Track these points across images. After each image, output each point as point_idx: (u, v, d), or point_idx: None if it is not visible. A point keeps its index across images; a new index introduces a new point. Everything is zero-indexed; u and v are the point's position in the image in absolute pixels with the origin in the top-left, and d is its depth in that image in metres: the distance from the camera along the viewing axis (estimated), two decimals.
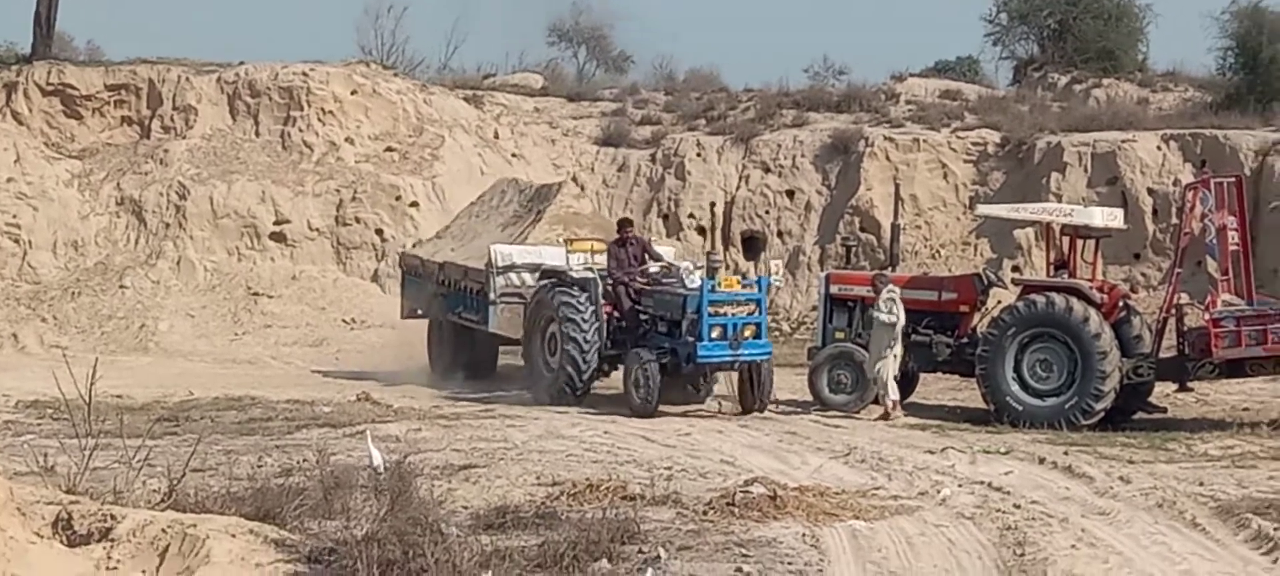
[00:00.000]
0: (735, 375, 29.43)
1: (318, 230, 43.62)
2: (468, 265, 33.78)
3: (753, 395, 28.92)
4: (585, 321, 29.36)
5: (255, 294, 42.07)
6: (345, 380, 34.84)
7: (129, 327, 39.98)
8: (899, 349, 29.52)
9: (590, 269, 30.37)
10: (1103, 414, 29.76)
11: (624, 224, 33.16)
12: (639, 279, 29.88)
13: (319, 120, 46.17)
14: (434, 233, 43.66)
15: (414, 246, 39.48)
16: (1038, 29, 58.17)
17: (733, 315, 28.52)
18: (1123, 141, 45.82)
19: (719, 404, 29.70)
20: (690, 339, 28.34)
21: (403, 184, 44.72)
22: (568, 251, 31.51)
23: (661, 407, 28.68)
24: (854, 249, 38.62)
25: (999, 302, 32.34)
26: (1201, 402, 31.85)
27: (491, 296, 32.23)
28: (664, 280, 29.50)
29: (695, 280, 28.76)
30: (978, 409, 30.39)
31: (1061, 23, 57.16)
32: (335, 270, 43.33)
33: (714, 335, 28.27)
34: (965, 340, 31.08)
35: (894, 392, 29.54)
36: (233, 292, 42.09)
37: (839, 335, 31.10)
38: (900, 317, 29.52)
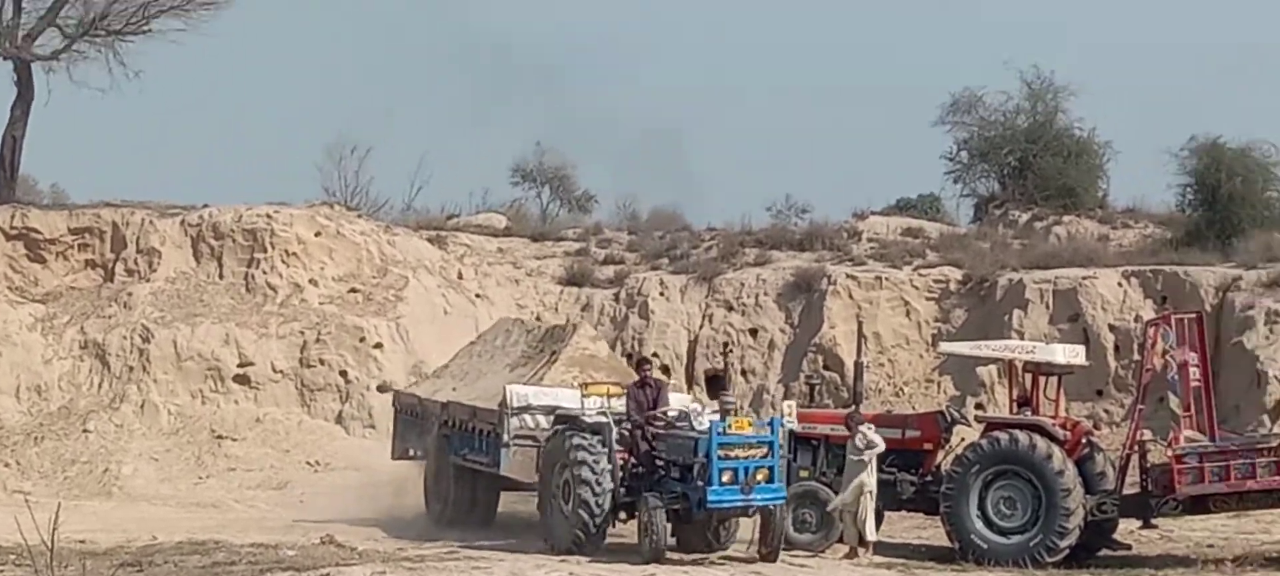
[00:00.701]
0: (758, 520, 28.23)
1: (282, 372, 43.55)
2: (477, 405, 32.99)
3: (765, 543, 27.81)
4: (598, 467, 28.32)
5: (219, 437, 41.96)
6: (310, 523, 34.66)
7: (92, 472, 39.82)
8: (875, 486, 29.49)
9: (604, 413, 29.41)
10: (1068, 551, 29.78)
11: (642, 364, 32.72)
12: (655, 423, 29.03)
13: (283, 262, 46.19)
14: (418, 374, 43.80)
15: (411, 386, 39.02)
16: (998, 167, 58.50)
17: (744, 458, 27.40)
18: (1084, 278, 46.00)
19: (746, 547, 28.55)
20: (700, 483, 27.35)
21: (367, 325, 44.73)
22: (583, 395, 30.54)
23: (677, 554, 28.04)
24: (818, 387, 38.70)
25: (963, 440, 32.34)
26: (1165, 539, 31.89)
27: (505, 438, 31.26)
28: (677, 423, 28.76)
29: (703, 422, 28.13)
30: (943, 547, 30.39)
31: (1022, 161, 57.50)
32: (299, 412, 43.24)
33: (725, 480, 27.17)
34: (929, 478, 31.11)
35: (873, 532, 29.47)
36: (196, 436, 41.97)
37: (803, 474, 31.00)
38: (881, 447, 29.58)
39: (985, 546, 29.67)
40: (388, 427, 42.98)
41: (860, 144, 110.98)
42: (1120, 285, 45.62)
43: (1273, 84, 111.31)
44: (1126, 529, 31.59)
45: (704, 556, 27.96)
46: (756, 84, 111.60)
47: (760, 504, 27.34)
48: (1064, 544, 29.68)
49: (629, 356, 46.07)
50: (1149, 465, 31.24)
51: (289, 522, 34.88)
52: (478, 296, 48.08)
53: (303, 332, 44.26)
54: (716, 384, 45.94)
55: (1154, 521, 31.41)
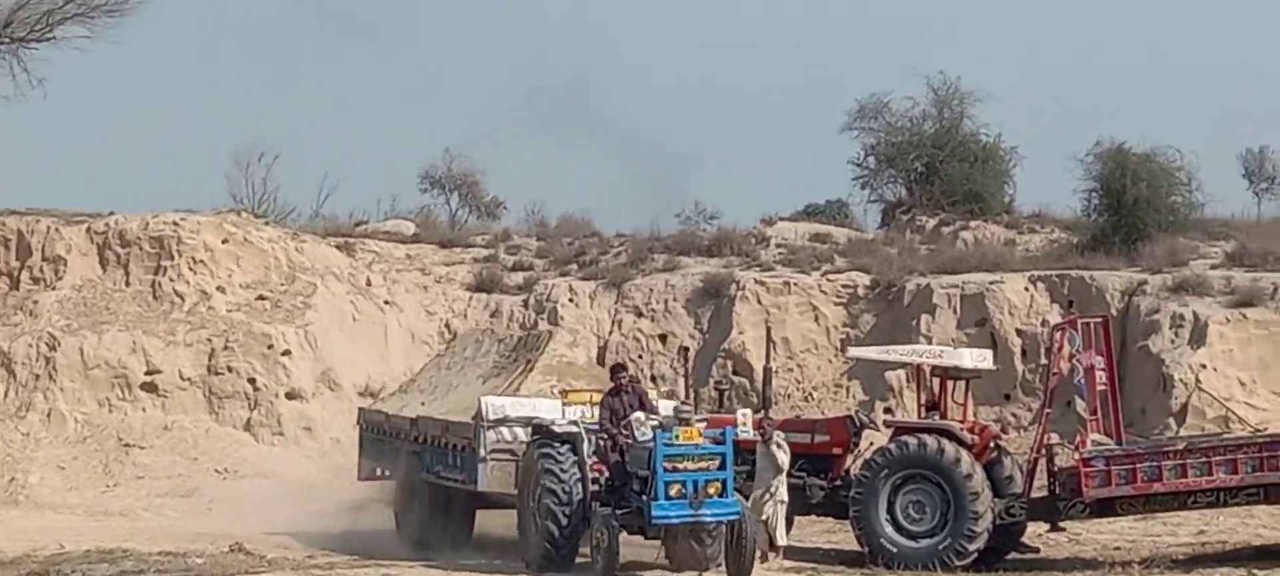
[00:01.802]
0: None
1: (190, 380, 43.42)
2: (449, 420, 31.98)
3: (736, 564, 26.37)
4: (565, 478, 27.27)
5: (127, 445, 41.80)
6: (219, 532, 34.54)
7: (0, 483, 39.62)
8: (785, 491, 29.45)
9: (576, 423, 28.56)
10: (976, 554, 29.87)
11: (617, 370, 30.89)
12: (623, 432, 27.56)
13: (190, 269, 46.08)
14: (327, 382, 43.88)
15: (378, 401, 38.46)
16: (905, 172, 58.80)
17: (694, 471, 26.09)
18: (991, 283, 46.28)
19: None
20: (645, 500, 26.23)
21: (275, 332, 44.62)
22: (564, 404, 30.03)
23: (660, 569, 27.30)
24: (727, 393, 38.73)
25: (871, 444, 32.52)
26: (1073, 542, 32.09)
27: (481, 453, 29.94)
28: (639, 434, 27.00)
29: (646, 432, 26.64)
30: (852, 551, 30.49)
31: (928, 166, 57.82)
32: (208, 420, 43.10)
33: (672, 493, 25.88)
34: (838, 482, 31.21)
35: (783, 536, 29.47)
36: (104, 444, 41.82)
37: None
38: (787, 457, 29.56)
39: (895, 550, 29.76)
40: (296, 435, 43.02)
41: (768, 150, 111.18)
42: (1027, 289, 45.88)
43: (1178, 91, 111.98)
44: (1034, 532, 31.76)
45: (671, 571, 27.13)
46: (663, 86, 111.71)
47: (712, 517, 26.19)
48: (973, 547, 29.80)
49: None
50: (1056, 468, 31.44)
51: (197, 531, 34.76)
52: (387, 303, 48.08)
53: (210, 340, 44.14)
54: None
55: (1061, 524, 31.60)
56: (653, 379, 46.40)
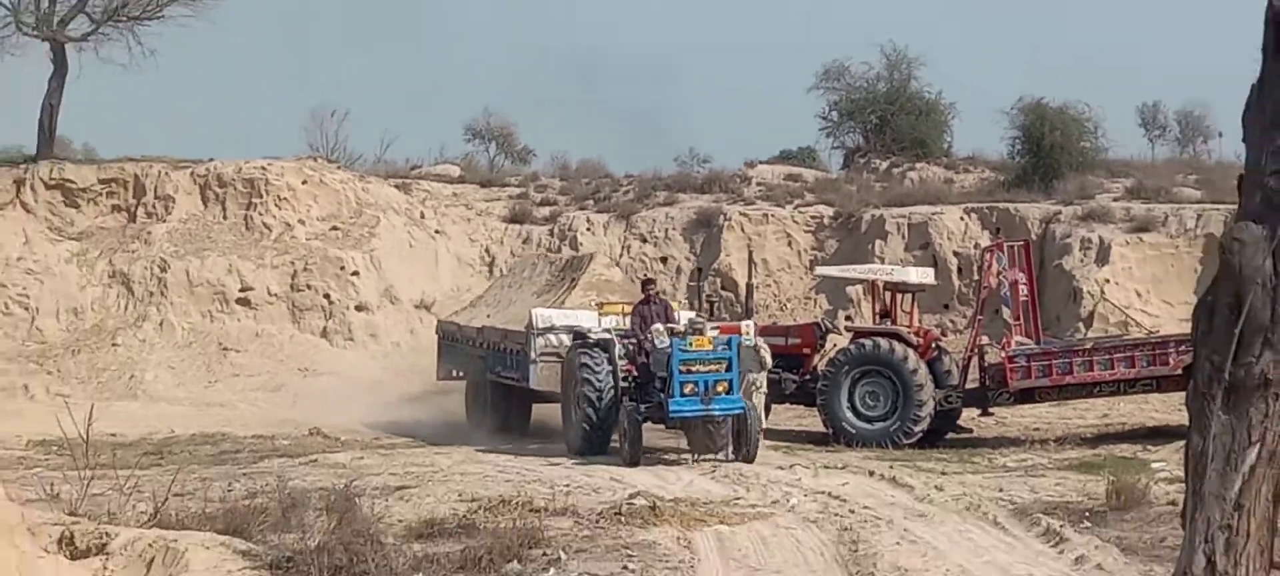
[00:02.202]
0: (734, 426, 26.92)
1: (276, 295, 43.34)
2: (508, 328, 32.03)
3: (741, 446, 26.45)
4: (599, 378, 27.41)
5: (225, 349, 41.76)
6: (301, 419, 34.58)
7: (120, 378, 39.61)
8: (764, 384, 29.42)
9: (608, 331, 28.75)
10: (920, 435, 30.15)
11: (646, 283, 31.71)
12: (646, 339, 27.63)
13: (276, 205, 45.95)
14: (389, 297, 43.81)
15: (452, 315, 38.02)
16: (863, 124, 58.90)
17: (705, 373, 26.25)
18: (932, 214, 46.25)
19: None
20: (662, 397, 26.41)
21: (346, 256, 44.55)
22: (599, 315, 30.08)
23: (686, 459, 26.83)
24: (716, 304, 38.67)
25: (835, 346, 32.53)
26: (1000, 424, 32.17)
27: (532, 356, 30.02)
28: (659, 342, 27.10)
29: (665, 340, 26.80)
30: (819, 432, 30.57)
31: (882, 118, 57.90)
32: (291, 328, 43.06)
33: (686, 391, 26.04)
34: (808, 377, 31.33)
35: (762, 421, 29.44)
36: (206, 348, 41.78)
37: None
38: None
39: (854, 431, 29.96)
40: (363, 341, 43.01)
41: (750, 105, 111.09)
42: (962, 219, 45.87)
43: (1088, 51, 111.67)
44: (969, 416, 31.98)
45: (688, 455, 26.82)
46: (663, 51, 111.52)
47: (720, 412, 26.30)
48: (918, 429, 30.09)
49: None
50: (986, 365, 31.68)
51: (283, 419, 34.83)
52: (437, 232, 47.98)
53: (293, 263, 44.07)
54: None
55: (990, 410, 31.86)
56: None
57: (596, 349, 27.89)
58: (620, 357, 27.65)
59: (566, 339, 29.28)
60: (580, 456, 27.18)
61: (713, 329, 27.49)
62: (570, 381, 28.20)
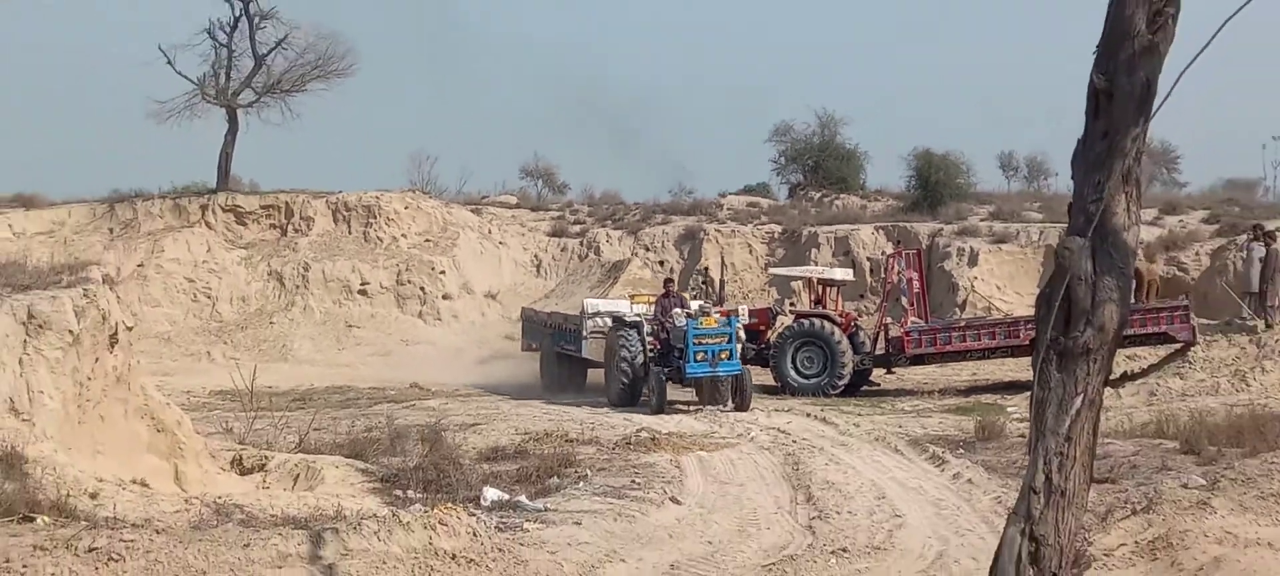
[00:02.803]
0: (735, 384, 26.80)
1: (386, 288, 43.42)
2: (567, 313, 31.95)
3: (739, 398, 26.37)
4: (632, 349, 27.39)
5: (349, 326, 41.86)
6: (405, 377, 34.68)
7: (275, 347, 39.74)
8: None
9: (639, 315, 28.66)
10: (843, 387, 30.19)
11: (667, 282, 31.99)
12: (668, 320, 27.64)
13: (386, 224, 46.08)
14: (465, 290, 43.94)
15: (533, 304, 37.49)
16: (802, 166, 58.95)
17: (712, 343, 26.23)
18: (852, 230, 46.21)
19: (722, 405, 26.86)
20: (680, 363, 26.45)
21: (435, 260, 44.63)
22: (632, 304, 29.98)
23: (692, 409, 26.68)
24: (697, 295, 38.71)
25: (783, 324, 32.54)
26: (899, 380, 32.16)
27: (584, 333, 30.06)
28: (677, 322, 27.27)
29: (681, 321, 26.91)
30: (770, 386, 30.49)
31: (816, 162, 58.07)
32: (396, 311, 43.13)
33: (699, 358, 26.07)
34: (764, 346, 31.30)
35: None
36: (336, 326, 41.88)
37: None
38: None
39: (796, 385, 29.98)
40: (452, 320, 43.14)
41: (722, 150, 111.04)
42: (873, 234, 45.82)
43: (963, 112, 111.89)
44: (878, 374, 31.96)
45: (701, 406, 26.59)
46: (661, 95, 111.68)
47: (723, 373, 26.26)
48: (841, 383, 30.20)
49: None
50: (890, 338, 31.68)
51: (391, 377, 34.89)
52: (500, 243, 47.98)
53: (397, 265, 44.17)
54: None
55: (892, 370, 31.87)
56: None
57: (630, 328, 27.84)
58: (647, 334, 27.58)
59: (609, 321, 29.20)
60: (618, 407, 26.97)
61: (717, 312, 27.72)
62: (611, 352, 28.18)
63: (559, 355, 31.70)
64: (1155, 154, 61.09)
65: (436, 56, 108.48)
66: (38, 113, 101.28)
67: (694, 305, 28.72)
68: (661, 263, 46.49)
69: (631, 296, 31.12)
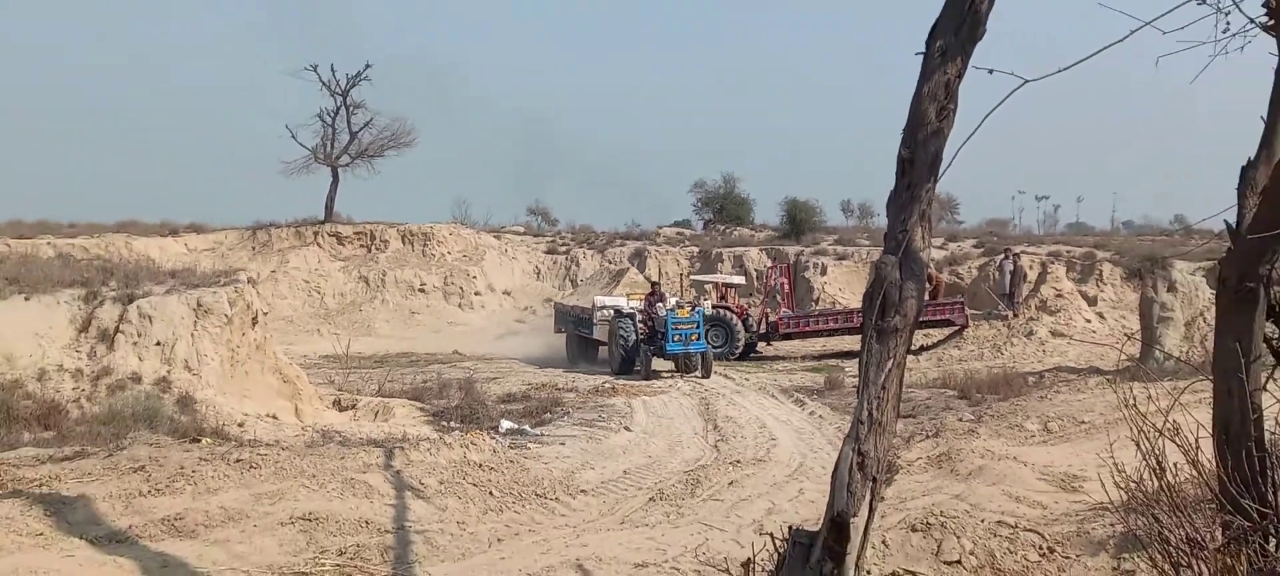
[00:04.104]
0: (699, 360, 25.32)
1: (438, 288, 43.09)
2: (583, 306, 30.73)
3: (703, 369, 24.77)
4: (626, 333, 26.05)
5: (412, 313, 41.52)
6: (449, 347, 34.39)
7: (362, 327, 39.34)
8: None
9: (634, 308, 27.30)
10: (738, 354, 30.05)
11: (654, 284, 30.57)
12: (654, 311, 26.32)
13: (437, 244, 45.73)
14: (493, 290, 43.50)
15: (563, 298, 36.29)
16: (712, 207, 58.99)
17: (685, 329, 24.90)
18: (744, 251, 46.08)
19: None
20: (662, 343, 25.14)
21: (470, 269, 44.37)
22: (629, 299, 28.86)
23: (663, 374, 25.29)
24: (699, 296, 38.66)
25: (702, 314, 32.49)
26: (775, 351, 32.05)
27: (594, 320, 28.68)
28: (660, 313, 25.99)
29: (662, 312, 25.67)
30: None
31: (722, 206, 58.10)
32: (443, 303, 42.77)
33: (675, 339, 24.82)
34: None
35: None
36: (403, 313, 41.52)
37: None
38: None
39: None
40: (480, 309, 42.85)
41: (657, 196, 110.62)
42: (758, 253, 45.71)
43: (819, 161, 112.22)
44: (762, 347, 31.80)
45: (678, 374, 25.17)
46: (610, 142, 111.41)
47: (694, 350, 24.90)
48: (737, 351, 29.97)
49: (574, 283, 45.90)
50: (770, 321, 31.64)
51: (439, 347, 34.64)
52: (512, 258, 47.75)
53: (445, 272, 43.83)
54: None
55: (771, 343, 31.75)
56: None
57: (626, 317, 26.74)
58: (639, 322, 26.42)
59: (611, 312, 28.15)
60: (618, 376, 25.52)
61: (688, 306, 26.62)
62: (613, 334, 27.01)
63: (578, 337, 30.40)
64: (941, 201, 61.63)
65: (465, 125, 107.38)
66: (206, 169, 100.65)
67: (671, 301, 27.66)
68: (620, 273, 46.56)
69: (628, 294, 30.17)
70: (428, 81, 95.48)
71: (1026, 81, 6.02)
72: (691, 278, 42.27)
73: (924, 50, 6.55)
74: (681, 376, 25.10)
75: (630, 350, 26.00)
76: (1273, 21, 5.40)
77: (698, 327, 25.19)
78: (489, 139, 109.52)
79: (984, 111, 6.18)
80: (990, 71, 6.19)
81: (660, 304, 26.68)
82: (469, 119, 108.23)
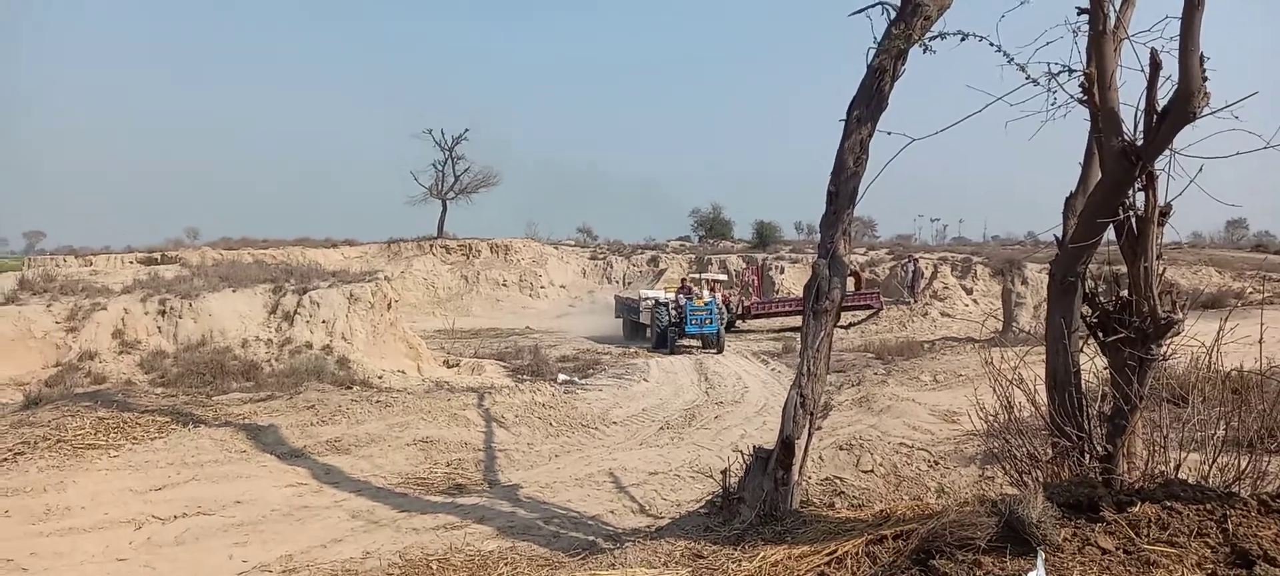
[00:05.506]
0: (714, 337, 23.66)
1: (514, 283, 42.92)
2: (632, 297, 29.03)
3: (718, 346, 23.14)
4: (663, 318, 24.20)
5: (498, 300, 41.30)
6: (524, 326, 34.15)
7: (464, 311, 39.16)
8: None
9: (670, 299, 25.60)
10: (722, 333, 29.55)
11: (684, 280, 28.91)
12: (681, 302, 24.60)
13: (515, 253, 45.46)
14: (559, 287, 43.27)
15: (621, 291, 34.82)
16: (705, 226, 58.44)
17: (701, 314, 23.42)
18: (726, 257, 45.60)
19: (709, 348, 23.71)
20: (682, 326, 23.57)
21: (537, 271, 44.12)
22: (665, 291, 27.35)
23: (692, 351, 23.54)
24: (716, 291, 38.02)
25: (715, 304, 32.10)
26: (750, 328, 31.65)
27: (641, 308, 26.82)
28: (685, 302, 24.30)
29: (686, 301, 24.20)
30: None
31: (711, 224, 57.60)
32: (520, 294, 42.60)
33: (695, 322, 23.29)
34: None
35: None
36: (491, 301, 41.23)
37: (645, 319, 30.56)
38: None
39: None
40: (544, 299, 42.56)
41: (666, 217, 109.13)
42: (738, 258, 45.34)
43: (781, 198, 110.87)
44: (740, 325, 31.33)
45: (699, 347, 23.65)
46: (625, 176, 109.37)
47: (709, 331, 23.39)
48: (722, 332, 29.36)
49: (609, 280, 45.66)
50: (744, 306, 31.27)
51: (510, 325, 34.36)
52: (566, 262, 47.45)
53: (520, 272, 43.65)
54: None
55: (745, 321, 31.11)
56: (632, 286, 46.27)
57: (663, 306, 25.10)
58: (672, 309, 24.75)
59: (653, 301, 26.65)
60: (655, 350, 23.77)
61: (705, 297, 25.16)
62: (653, 318, 25.37)
63: (631, 321, 28.58)
64: (863, 222, 61.04)
65: (521, 167, 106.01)
66: (357, 202, 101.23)
67: (705, 295, 26.11)
68: (641, 272, 46.16)
69: (666, 288, 29.28)
70: (493, 144, 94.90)
71: (914, 139, 6.06)
72: (690, 276, 41.96)
73: (845, 117, 6.58)
74: (697, 349, 23.67)
75: (665, 332, 24.49)
76: (1085, 97, 5.45)
77: (711, 314, 23.91)
78: (544, 175, 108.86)
79: (887, 160, 6.22)
80: (889, 133, 6.25)
81: (685, 296, 25.65)
82: (525, 163, 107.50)
